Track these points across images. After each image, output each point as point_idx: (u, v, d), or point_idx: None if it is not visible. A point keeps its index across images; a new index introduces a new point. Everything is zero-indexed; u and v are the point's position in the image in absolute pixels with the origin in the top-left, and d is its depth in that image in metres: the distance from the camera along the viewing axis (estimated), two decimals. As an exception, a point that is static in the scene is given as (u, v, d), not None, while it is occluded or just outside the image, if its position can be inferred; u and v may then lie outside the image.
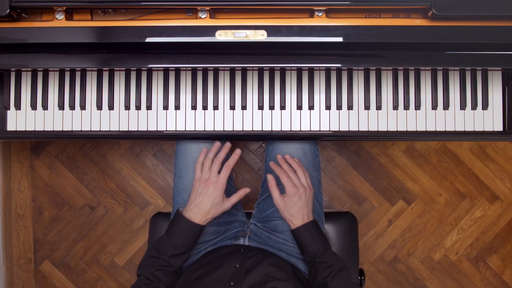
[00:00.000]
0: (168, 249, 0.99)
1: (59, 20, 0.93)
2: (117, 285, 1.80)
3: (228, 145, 1.07)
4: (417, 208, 1.79)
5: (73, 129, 1.03)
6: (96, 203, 1.79)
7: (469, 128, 1.03)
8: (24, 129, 1.04)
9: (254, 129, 1.04)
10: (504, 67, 0.98)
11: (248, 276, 0.93)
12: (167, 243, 0.99)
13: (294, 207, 1.03)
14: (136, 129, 1.03)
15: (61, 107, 1.02)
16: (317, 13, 0.93)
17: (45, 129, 1.03)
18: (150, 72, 1.03)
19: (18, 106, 1.03)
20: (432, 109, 1.03)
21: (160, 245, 1.01)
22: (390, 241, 1.80)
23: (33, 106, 1.03)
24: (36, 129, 1.04)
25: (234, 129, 1.03)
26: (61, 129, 1.03)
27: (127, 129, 1.03)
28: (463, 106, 1.02)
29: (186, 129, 1.04)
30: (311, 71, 1.02)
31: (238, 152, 1.04)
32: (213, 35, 0.91)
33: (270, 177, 1.06)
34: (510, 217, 1.79)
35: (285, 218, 1.06)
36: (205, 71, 1.03)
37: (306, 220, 1.03)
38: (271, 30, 0.91)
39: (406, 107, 1.03)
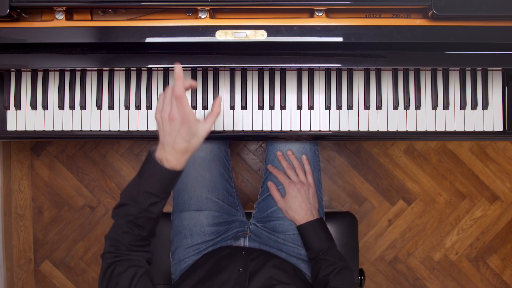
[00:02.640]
0: (146, 198, 0.84)
1: (59, 20, 0.93)
2: (117, 285, 1.80)
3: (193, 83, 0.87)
4: (417, 208, 1.79)
5: (73, 129, 1.03)
6: (96, 203, 1.79)
7: (469, 128, 1.03)
8: (24, 129, 1.03)
9: (254, 129, 1.04)
10: (504, 67, 0.98)
11: (253, 280, 0.92)
12: (142, 189, 0.84)
13: (295, 202, 1.03)
14: (136, 129, 1.03)
15: (61, 107, 1.02)
16: (317, 13, 0.93)
17: (45, 129, 1.03)
18: (150, 72, 1.03)
19: (18, 106, 1.03)
20: (432, 109, 1.03)
21: (133, 192, 0.85)
22: (390, 241, 1.80)
23: (33, 106, 1.03)
24: (36, 129, 1.03)
25: (234, 129, 1.03)
26: (61, 129, 1.03)
27: (127, 129, 1.03)
28: (463, 106, 1.02)
29: (186, 129, 1.03)
30: (311, 71, 1.02)
31: (219, 98, 0.88)
32: (213, 35, 0.91)
33: (270, 184, 1.10)
34: (510, 217, 1.79)
35: (289, 217, 1.06)
36: (205, 71, 1.03)
37: (310, 217, 1.03)
38: (271, 30, 0.91)
39: (406, 107, 1.03)
